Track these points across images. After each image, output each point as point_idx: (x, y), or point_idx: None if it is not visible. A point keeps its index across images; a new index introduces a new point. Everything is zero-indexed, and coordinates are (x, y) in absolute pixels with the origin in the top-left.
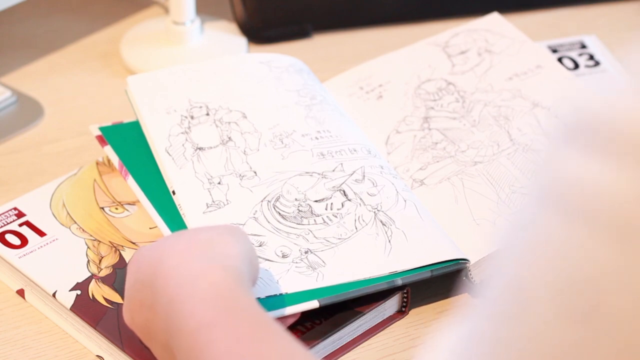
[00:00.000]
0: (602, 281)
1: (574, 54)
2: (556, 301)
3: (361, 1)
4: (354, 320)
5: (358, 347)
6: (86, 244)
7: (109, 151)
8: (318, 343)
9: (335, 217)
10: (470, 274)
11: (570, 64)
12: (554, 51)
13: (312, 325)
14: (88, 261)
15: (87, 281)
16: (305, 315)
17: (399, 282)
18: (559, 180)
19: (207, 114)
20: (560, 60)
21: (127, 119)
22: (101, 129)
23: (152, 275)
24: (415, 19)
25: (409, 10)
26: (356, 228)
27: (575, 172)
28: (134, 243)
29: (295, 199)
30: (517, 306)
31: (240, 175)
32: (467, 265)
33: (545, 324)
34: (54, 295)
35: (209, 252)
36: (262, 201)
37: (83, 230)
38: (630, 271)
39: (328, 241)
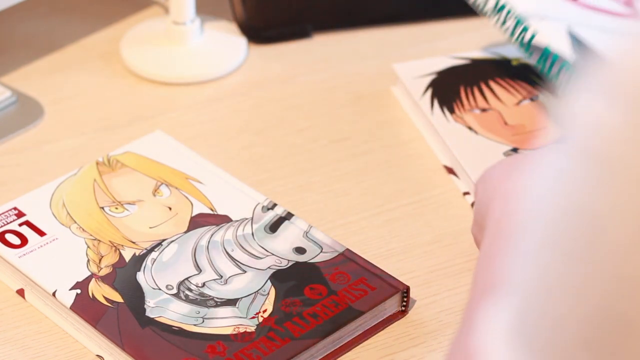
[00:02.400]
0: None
1: None
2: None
3: (361, 1)
4: (354, 320)
5: (358, 346)
6: (86, 243)
7: None
8: (318, 342)
9: None
10: None
11: None
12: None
13: (312, 324)
14: (88, 260)
15: (87, 280)
16: (306, 314)
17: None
18: (570, 119)
19: None
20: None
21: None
22: None
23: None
24: (415, 19)
25: (409, 10)
26: None
27: (582, 111)
28: (133, 242)
29: None
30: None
31: None
32: None
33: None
34: (53, 294)
35: None
36: None
37: (83, 229)
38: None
39: None
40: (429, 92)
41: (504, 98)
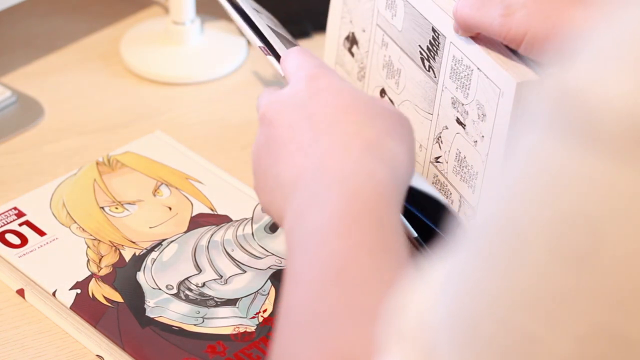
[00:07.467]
0: (601, 217)
1: None
2: (550, 242)
3: None
4: None
5: None
6: (86, 243)
7: None
8: None
9: None
10: None
11: None
12: None
13: None
14: (88, 260)
15: (87, 280)
16: None
17: None
18: (558, 93)
19: None
20: None
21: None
22: None
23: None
24: None
25: None
26: None
27: (579, 83)
28: (133, 242)
29: None
30: (508, 247)
31: None
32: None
33: (538, 267)
34: (53, 294)
35: (375, 154)
36: None
37: (83, 229)
38: (634, 201)
39: None
40: None
41: None
